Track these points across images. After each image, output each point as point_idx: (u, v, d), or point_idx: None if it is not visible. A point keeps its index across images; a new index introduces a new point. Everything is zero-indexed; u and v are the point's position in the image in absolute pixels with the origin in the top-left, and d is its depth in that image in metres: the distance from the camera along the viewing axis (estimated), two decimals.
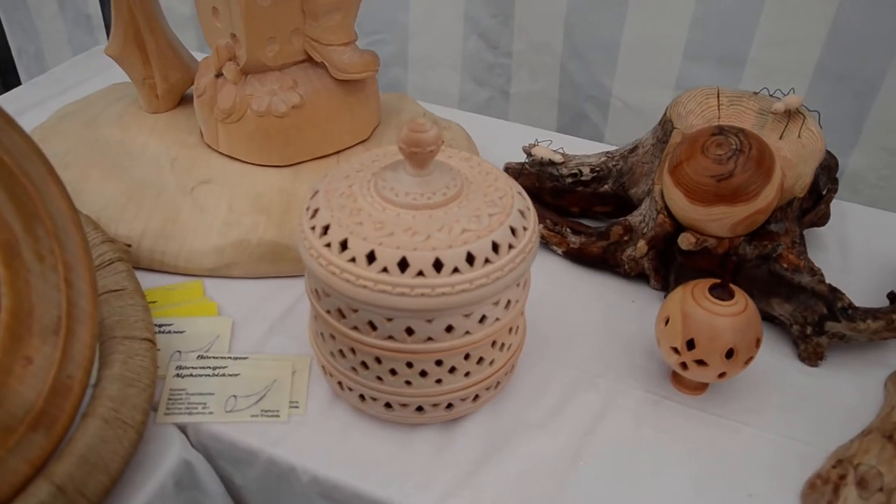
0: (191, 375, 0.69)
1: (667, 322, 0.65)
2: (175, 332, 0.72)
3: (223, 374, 0.69)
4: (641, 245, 0.73)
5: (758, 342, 0.64)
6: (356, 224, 0.56)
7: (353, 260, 0.55)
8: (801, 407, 0.69)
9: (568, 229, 0.80)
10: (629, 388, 0.69)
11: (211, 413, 0.66)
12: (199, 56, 0.91)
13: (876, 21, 1.05)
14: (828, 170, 0.87)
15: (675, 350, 0.64)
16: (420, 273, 0.54)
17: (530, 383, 0.69)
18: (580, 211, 0.85)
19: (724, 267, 0.63)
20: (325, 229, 0.57)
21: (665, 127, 0.77)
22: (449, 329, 0.57)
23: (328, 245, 0.57)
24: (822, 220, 0.83)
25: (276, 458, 0.64)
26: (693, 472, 0.64)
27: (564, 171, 0.82)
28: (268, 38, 0.76)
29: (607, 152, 0.82)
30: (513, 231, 0.57)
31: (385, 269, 0.55)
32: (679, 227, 0.72)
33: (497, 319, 0.59)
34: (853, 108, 1.15)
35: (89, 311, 0.58)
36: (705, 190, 0.68)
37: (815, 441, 0.66)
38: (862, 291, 0.79)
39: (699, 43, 1.17)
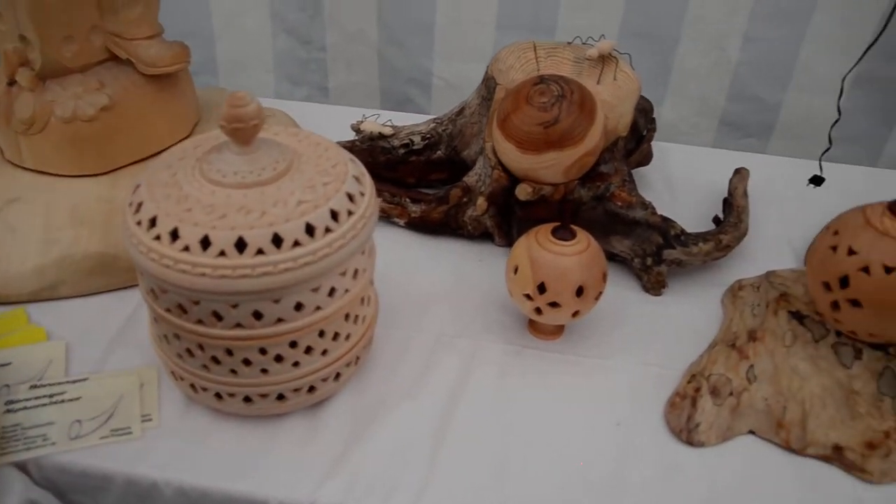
0: (24, 408, 0.63)
1: (516, 271, 0.66)
2: None
3: (62, 401, 0.64)
4: (481, 202, 0.73)
5: (604, 276, 0.66)
6: (185, 211, 0.53)
7: (186, 248, 0.52)
8: (653, 334, 0.72)
9: (407, 199, 0.79)
10: (489, 343, 0.70)
11: (53, 444, 0.61)
12: None
13: None
14: (644, 112, 0.91)
15: (528, 297, 0.65)
16: (260, 251, 0.52)
17: (390, 354, 0.68)
18: (416, 181, 0.85)
19: (563, 210, 0.65)
20: (153, 222, 0.54)
21: (488, 84, 0.78)
22: (298, 307, 0.55)
23: (157, 237, 0.53)
24: (647, 159, 0.87)
25: (134, 477, 0.60)
26: (560, 412, 0.65)
27: (396, 143, 0.82)
28: (63, 38, 0.71)
29: (435, 118, 0.83)
30: (350, 197, 0.56)
31: (222, 253, 0.52)
32: (515, 180, 0.74)
33: (347, 291, 0.58)
34: (658, 64, 1.22)
35: None
36: (535, 138, 0.69)
37: (670, 363, 0.69)
38: (689, 221, 0.83)
39: (509, 15, 1.20)
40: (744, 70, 1.21)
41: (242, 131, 0.55)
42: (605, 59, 0.76)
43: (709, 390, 0.64)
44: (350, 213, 0.56)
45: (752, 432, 0.64)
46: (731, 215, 0.79)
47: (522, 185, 0.72)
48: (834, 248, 0.59)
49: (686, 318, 0.74)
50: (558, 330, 0.71)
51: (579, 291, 0.64)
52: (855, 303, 0.58)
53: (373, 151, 0.82)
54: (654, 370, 0.68)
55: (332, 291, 0.57)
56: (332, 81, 1.30)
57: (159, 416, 0.63)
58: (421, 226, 0.80)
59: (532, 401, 0.65)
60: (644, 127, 0.86)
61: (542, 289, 0.64)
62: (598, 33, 1.19)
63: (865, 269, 0.57)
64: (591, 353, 0.70)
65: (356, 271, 0.58)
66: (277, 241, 0.53)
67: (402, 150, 0.82)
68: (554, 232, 0.65)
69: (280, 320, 0.55)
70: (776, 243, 0.83)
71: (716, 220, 0.81)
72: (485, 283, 0.75)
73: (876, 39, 0.76)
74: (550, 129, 0.69)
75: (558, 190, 0.72)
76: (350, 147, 0.82)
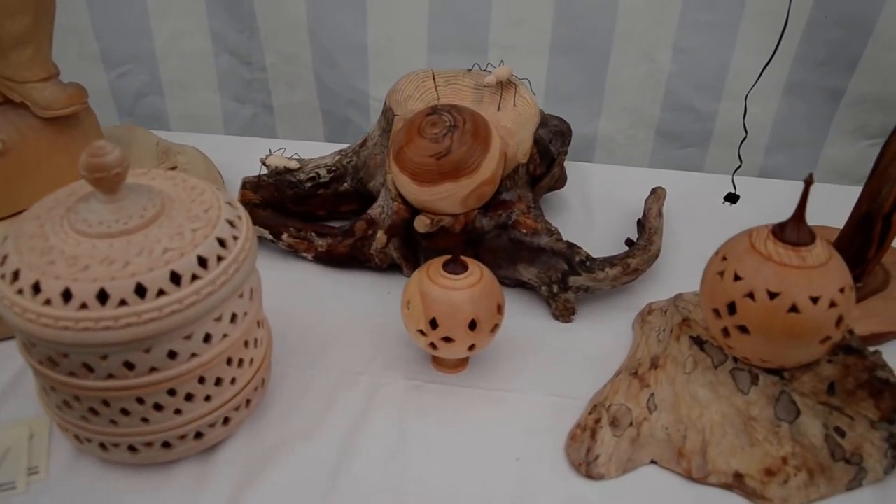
0: None
1: (409, 306, 0.64)
2: None
3: None
4: (381, 236, 0.72)
5: (499, 308, 0.65)
6: (48, 264, 0.52)
7: (48, 302, 0.51)
8: (561, 363, 0.71)
9: (313, 234, 0.78)
10: (391, 379, 0.69)
11: None
12: None
13: None
14: (561, 135, 0.90)
15: (421, 332, 0.64)
16: (123, 302, 0.51)
17: (289, 395, 0.67)
18: (327, 213, 0.84)
19: (466, 239, 0.64)
20: (16, 275, 0.53)
21: (387, 116, 0.77)
22: (172, 355, 0.54)
23: (20, 291, 0.52)
24: (560, 182, 0.86)
25: None
26: (460, 448, 0.64)
27: (302, 177, 0.81)
28: None
29: (340, 151, 0.82)
30: (221, 242, 0.55)
31: (84, 305, 0.51)
32: (415, 212, 0.73)
33: (225, 336, 0.57)
34: (591, 78, 1.21)
35: None
36: (428, 170, 0.68)
37: (576, 393, 0.68)
38: (605, 243, 0.83)
39: (440, 35, 1.19)
40: (676, 81, 1.21)
41: (105, 180, 0.53)
42: (504, 85, 0.75)
43: (609, 421, 0.63)
44: (220, 258, 0.54)
45: (653, 462, 0.63)
46: (643, 237, 0.78)
47: (420, 217, 0.71)
48: (721, 274, 0.58)
49: (596, 344, 0.73)
50: (462, 362, 0.70)
51: (472, 325, 0.63)
52: (743, 329, 0.57)
53: (280, 186, 0.81)
54: (559, 401, 0.67)
55: (207, 338, 0.56)
56: (276, 100, 1.30)
57: (48, 468, 0.62)
58: (329, 260, 0.79)
59: (431, 438, 0.64)
60: (557, 150, 0.85)
61: (434, 324, 0.63)
62: (529, 51, 1.19)
63: (751, 295, 0.56)
64: (496, 384, 0.69)
65: (234, 315, 0.57)
66: (141, 290, 0.51)
67: (308, 184, 0.81)
68: (445, 266, 0.64)
69: (154, 369, 0.54)
70: (691, 262, 0.82)
71: (628, 242, 0.81)
72: (391, 317, 0.74)
73: (771, 58, 0.75)
74: (443, 161, 0.68)
75: (458, 220, 0.72)
76: (256, 182, 0.81)
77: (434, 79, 0.77)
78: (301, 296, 0.76)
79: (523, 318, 0.75)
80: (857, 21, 1.08)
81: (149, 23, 1.20)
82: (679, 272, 0.81)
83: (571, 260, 0.72)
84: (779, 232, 0.57)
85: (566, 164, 0.89)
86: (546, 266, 0.74)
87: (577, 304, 0.75)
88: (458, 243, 0.73)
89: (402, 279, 0.79)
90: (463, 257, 0.65)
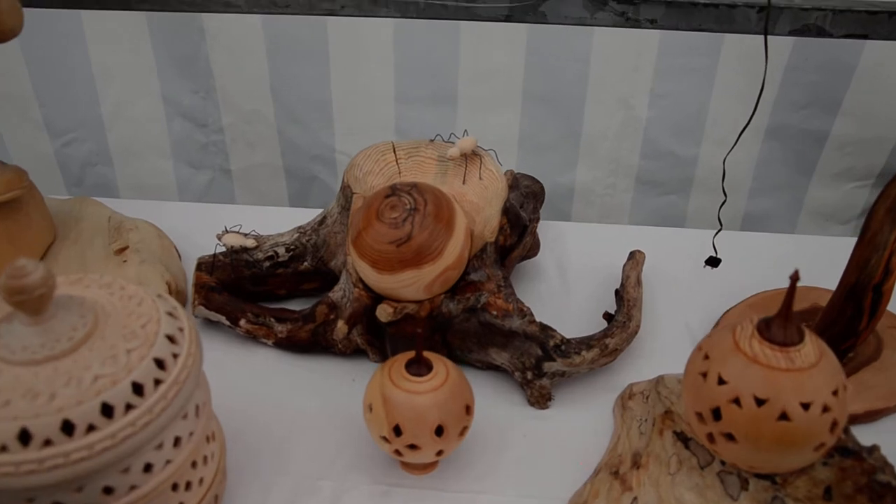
0: None
1: (371, 409, 0.60)
2: None
3: None
4: (341, 326, 0.68)
5: (468, 409, 0.61)
6: None
7: None
8: (537, 457, 0.67)
9: (272, 319, 0.74)
10: (355, 483, 0.64)
11: None
12: None
13: (565, 43, 1.07)
14: (533, 197, 0.86)
15: (385, 439, 0.59)
16: (48, 442, 0.46)
17: None
18: (288, 292, 0.79)
19: (415, 340, 0.59)
20: None
21: (345, 193, 0.73)
22: (108, 491, 0.49)
23: None
24: (533, 251, 0.82)
25: None
26: None
27: (260, 256, 0.76)
28: None
29: (300, 227, 0.77)
30: (159, 363, 0.50)
31: (4, 448, 0.46)
32: (378, 298, 0.68)
33: (168, 462, 0.52)
34: (566, 127, 1.18)
35: None
36: (388, 258, 0.64)
37: (552, 493, 0.63)
38: (583, 315, 0.79)
39: (407, 86, 1.16)
40: (654, 127, 1.17)
41: (28, 303, 0.49)
42: (468, 156, 0.71)
43: None
44: (158, 381, 0.50)
45: None
46: (621, 312, 0.74)
47: (382, 305, 0.66)
48: (704, 376, 0.54)
49: (575, 433, 0.68)
50: (432, 462, 0.65)
51: (439, 431, 0.58)
52: (730, 436, 0.53)
53: (237, 266, 0.76)
54: (536, 503, 0.63)
55: (147, 467, 0.51)
56: (235, 163, 1.25)
57: None
58: (290, 346, 0.74)
59: None
60: (529, 217, 0.81)
61: (397, 431, 0.58)
62: (501, 100, 1.16)
63: (736, 401, 0.52)
64: (468, 485, 0.64)
65: (177, 439, 0.52)
66: (68, 428, 0.47)
67: (266, 264, 0.76)
68: (408, 366, 0.59)
69: None
70: (674, 335, 0.78)
71: (606, 316, 0.77)
72: (355, 409, 0.69)
73: (749, 120, 0.71)
74: (404, 247, 0.63)
75: (423, 307, 0.67)
76: (212, 262, 0.76)
77: (395, 151, 0.72)
78: (260, 387, 0.71)
79: (496, 404, 0.71)
80: (837, 65, 1.05)
81: (94, 88, 1.15)
82: (661, 345, 0.77)
83: (545, 344, 0.68)
84: (764, 330, 0.52)
85: (540, 225, 0.85)
86: (519, 351, 0.69)
87: (553, 388, 0.71)
88: (424, 329, 0.69)
89: (368, 364, 0.74)
90: (427, 354, 0.61)
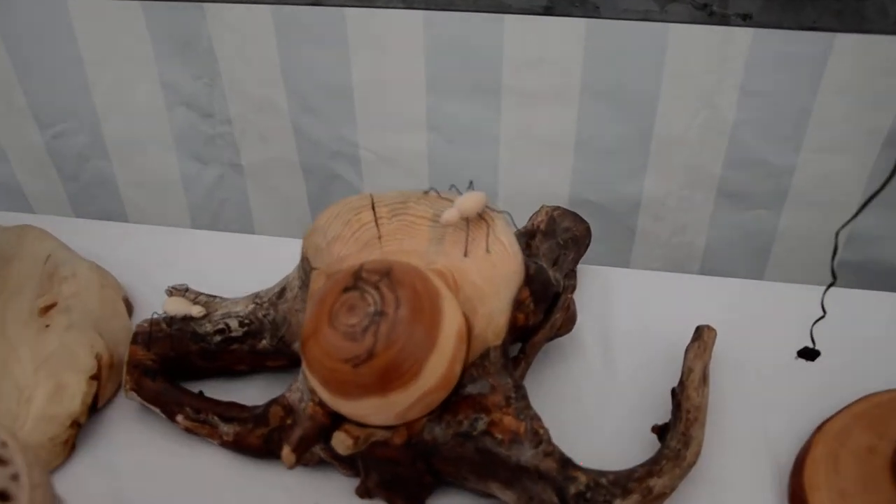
0: None
1: None
2: None
3: None
4: (287, 454, 0.50)
5: None
6: None
7: None
8: None
9: (216, 417, 0.58)
10: None
11: None
12: None
13: (633, 29, 0.86)
14: (575, 244, 0.67)
15: None
16: None
17: None
18: (248, 367, 0.63)
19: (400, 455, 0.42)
20: None
21: (304, 266, 0.55)
22: None
23: None
24: (566, 326, 0.63)
25: None
26: None
27: (209, 328, 0.60)
28: None
29: (256, 296, 0.60)
30: None
31: None
32: (338, 415, 0.51)
33: None
34: (633, 130, 0.97)
35: None
36: (342, 379, 0.46)
37: None
38: (628, 408, 0.61)
39: (441, 75, 0.96)
40: (742, 130, 0.96)
41: None
42: (471, 221, 0.52)
43: None
44: None
45: None
46: (675, 432, 0.54)
47: (339, 434, 0.49)
48: None
49: None
50: None
51: None
52: None
53: (181, 338, 0.60)
54: None
55: None
56: (246, 158, 1.09)
57: None
58: (239, 450, 0.58)
59: None
60: (562, 282, 0.61)
61: None
62: (554, 96, 0.95)
63: None
64: None
65: None
66: None
67: (217, 338, 0.60)
68: None
69: None
70: (750, 453, 0.59)
71: (657, 430, 0.57)
72: None
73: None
74: (363, 368, 0.45)
75: (398, 433, 0.50)
76: (149, 331, 0.60)
77: (374, 208, 0.54)
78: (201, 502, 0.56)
79: None
80: None
81: (85, 73, 1.00)
82: (729, 473, 0.58)
83: (565, 491, 0.50)
84: None
85: (579, 273, 0.66)
86: (528, 494, 0.51)
87: None
88: (401, 455, 0.52)
89: (338, 480, 0.58)
90: None
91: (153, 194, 1.12)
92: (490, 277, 0.51)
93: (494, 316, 0.51)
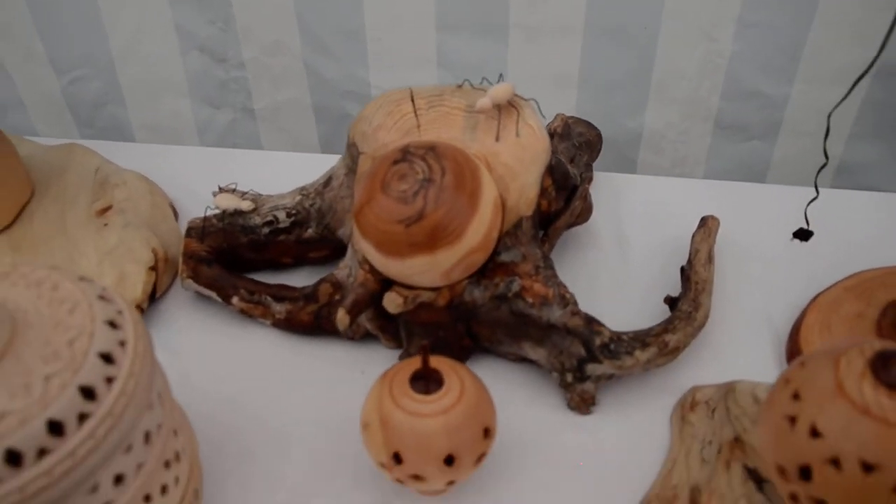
0: None
1: (367, 429, 0.49)
2: None
3: None
4: (342, 316, 0.56)
5: (487, 433, 0.49)
6: None
7: None
8: (575, 477, 0.55)
9: (269, 297, 0.63)
10: (355, 502, 0.54)
11: None
12: None
13: None
14: (588, 147, 0.73)
15: (384, 465, 0.48)
16: None
17: None
18: (294, 261, 0.68)
19: (423, 352, 0.48)
20: None
21: (351, 152, 0.60)
22: None
23: None
24: (583, 216, 0.68)
25: None
26: None
27: (258, 221, 0.65)
28: None
29: (302, 189, 0.66)
30: (88, 392, 0.40)
31: None
32: (387, 282, 0.57)
33: (109, 503, 0.42)
34: (635, 64, 1.02)
35: None
36: (395, 239, 0.52)
37: None
38: (642, 287, 0.67)
39: (451, 12, 1.01)
40: (740, 63, 1.01)
41: None
42: (502, 108, 0.58)
43: None
44: (84, 416, 0.39)
45: None
46: (686, 299, 0.61)
47: (390, 294, 0.55)
48: (791, 421, 0.41)
49: (623, 445, 0.57)
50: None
51: (449, 461, 0.47)
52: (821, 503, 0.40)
53: (231, 232, 0.65)
54: None
55: None
56: (258, 102, 1.13)
57: None
58: (290, 327, 0.64)
59: None
60: (580, 174, 0.67)
61: (398, 459, 0.47)
62: (560, 31, 1.00)
63: (835, 463, 0.39)
64: None
65: (119, 477, 0.42)
66: None
67: (265, 230, 0.65)
68: (413, 381, 0.48)
69: None
70: (750, 321, 0.65)
71: (668, 300, 0.63)
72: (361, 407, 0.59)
73: (875, 61, 0.56)
74: (414, 228, 0.51)
75: (441, 295, 0.55)
76: (202, 227, 0.66)
77: (413, 100, 0.59)
78: (252, 375, 0.61)
79: (529, 405, 0.59)
80: None
81: (101, 19, 1.03)
82: (733, 337, 0.64)
83: (591, 343, 0.56)
84: (881, 369, 0.39)
85: (595, 178, 0.71)
86: (558, 349, 0.57)
87: (598, 392, 0.58)
88: (444, 317, 0.57)
89: (381, 351, 0.64)
90: (438, 363, 0.49)
91: (167, 139, 1.16)
92: (520, 158, 0.57)
93: (525, 189, 0.57)
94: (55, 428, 0.38)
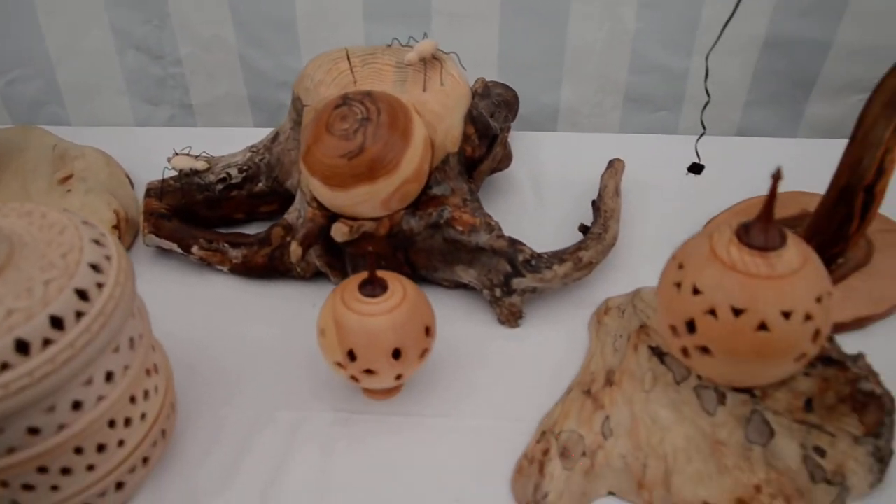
0: None
1: (323, 334, 0.56)
2: None
3: None
4: (294, 248, 0.63)
5: (428, 331, 0.57)
6: None
7: None
8: (507, 378, 0.63)
9: (226, 244, 0.69)
10: (315, 412, 0.61)
11: None
12: None
13: None
14: (506, 105, 0.81)
15: (340, 364, 0.56)
16: None
17: (197, 442, 0.59)
18: (246, 216, 0.75)
19: (370, 258, 0.55)
20: None
21: (296, 106, 0.68)
22: (34, 431, 0.46)
23: None
24: (504, 162, 0.77)
25: None
26: (393, 491, 0.56)
27: (212, 178, 0.72)
28: None
29: (252, 147, 0.73)
30: (82, 294, 0.46)
31: None
32: (333, 216, 0.64)
33: (101, 398, 0.48)
34: (549, 43, 1.11)
35: None
36: (340, 172, 0.60)
37: (524, 415, 0.60)
38: (559, 223, 0.75)
39: (378, 3, 1.08)
40: (643, 39, 1.10)
41: None
42: (428, 61, 0.66)
43: (559, 451, 0.55)
44: (80, 314, 0.46)
45: (611, 494, 0.55)
46: (597, 223, 0.69)
47: (337, 224, 0.62)
48: (678, 286, 0.50)
49: (547, 352, 0.65)
50: (396, 386, 0.61)
51: (396, 354, 0.55)
52: (705, 350, 0.49)
53: (188, 190, 0.72)
54: (506, 425, 0.59)
55: (77, 405, 0.47)
56: (196, 98, 1.18)
57: None
58: (246, 271, 0.70)
59: (360, 480, 0.56)
60: (500, 126, 0.75)
61: (352, 356, 0.55)
62: (477, 15, 1.08)
63: (712, 312, 0.48)
64: (434, 409, 0.61)
65: (110, 374, 0.49)
66: None
67: (219, 186, 0.72)
68: (361, 287, 0.55)
69: (13, 449, 0.46)
70: (655, 243, 0.74)
71: (582, 228, 0.72)
72: (315, 335, 0.65)
73: (731, 16, 0.65)
74: (356, 161, 0.59)
75: (382, 224, 0.63)
76: (160, 187, 0.72)
77: (349, 59, 0.67)
78: (215, 316, 0.68)
79: (465, 324, 0.67)
80: None
81: (36, 20, 1.07)
82: (641, 258, 0.73)
83: (514, 260, 0.64)
84: (743, 235, 0.48)
85: (513, 136, 0.80)
86: (486, 268, 0.65)
87: (524, 306, 0.67)
88: (385, 247, 0.65)
89: (329, 287, 0.70)
90: (383, 273, 0.56)
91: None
92: (445, 103, 0.65)
93: (451, 129, 0.65)
94: (56, 323, 0.45)
